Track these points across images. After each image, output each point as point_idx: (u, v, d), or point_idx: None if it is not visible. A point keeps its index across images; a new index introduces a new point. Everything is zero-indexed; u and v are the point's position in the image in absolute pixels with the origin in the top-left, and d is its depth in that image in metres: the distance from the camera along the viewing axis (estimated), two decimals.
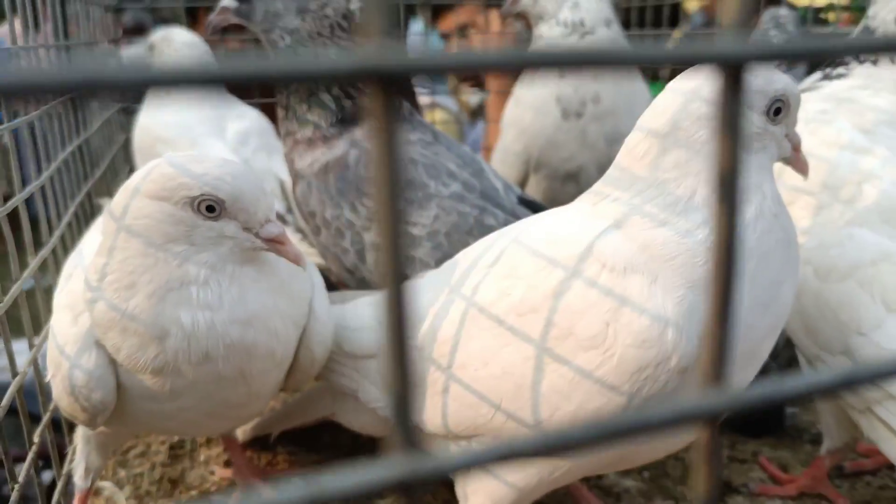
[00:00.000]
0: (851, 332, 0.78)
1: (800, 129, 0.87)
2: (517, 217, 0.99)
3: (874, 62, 0.90)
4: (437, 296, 0.76)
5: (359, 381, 0.83)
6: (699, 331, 0.62)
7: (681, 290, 0.62)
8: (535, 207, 1.06)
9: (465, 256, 0.80)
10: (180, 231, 0.69)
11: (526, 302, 0.66)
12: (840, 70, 0.93)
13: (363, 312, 0.85)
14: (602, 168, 0.73)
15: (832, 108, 0.89)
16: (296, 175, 1.03)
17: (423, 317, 0.76)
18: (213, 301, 0.70)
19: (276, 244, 0.70)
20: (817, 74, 0.96)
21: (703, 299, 0.59)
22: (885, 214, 0.80)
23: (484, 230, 0.98)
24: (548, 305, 0.65)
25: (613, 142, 1.45)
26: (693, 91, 0.65)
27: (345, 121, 1.01)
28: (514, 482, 0.70)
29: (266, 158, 1.43)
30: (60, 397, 0.72)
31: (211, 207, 0.69)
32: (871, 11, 0.91)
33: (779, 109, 0.66)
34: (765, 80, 0.65)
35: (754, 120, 0.65)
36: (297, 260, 0.71)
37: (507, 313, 0.68)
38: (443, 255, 0.97)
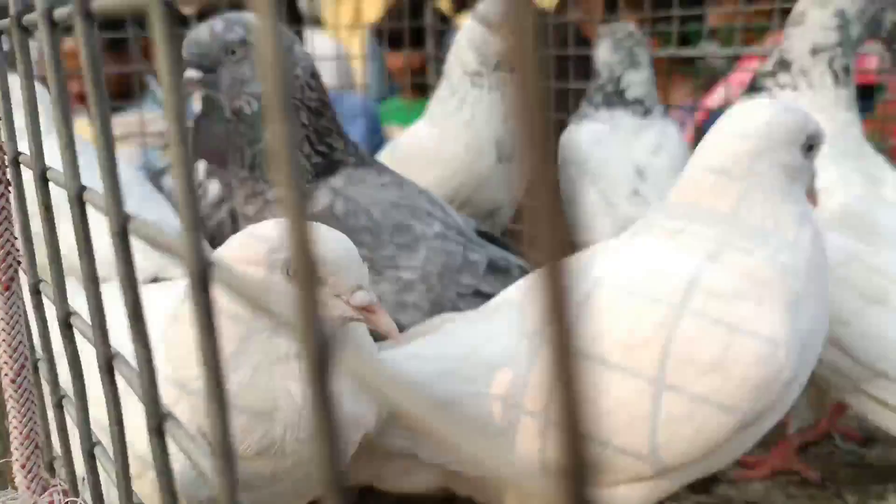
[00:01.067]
0: (836, 323, 0.90)
1: None
2: (490, 252, 1.02)
3: (794, 87, 1.04)
4: (509, 343, 0.76)
5: (417, 438, 0.81)
6: (798, 345, 0.69)
7: (780, 310, 0.69)
8: (493, 239, 1.10)
9: (509, 301, 0.81)
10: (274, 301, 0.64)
11: (634, 336, 0.70)
12: (763, 96, 1.06)
13: (415, 366, 0.83)
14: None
15: None
16: None
17: (498, 365, 0.76)
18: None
19: (367, 313, 0.66)
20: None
21: (796, 316, 0.66)
22: (846, 221, 0.93)
23: (470, 267, 1.00)
24: (660, 337, 0.69)
25: None
26: (744, 131, 0.73)
27: (319, 174, 0.98)
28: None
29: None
30: (151, 498, 0.63)
31: None
32: (786, 44, 1.04)
33: (811, 146, 0.76)
34: (803, 119, 0.74)
35: (796, 155, 0.74)
36: (390, 331, 0.66)
37: (610, 350, 0.71)
38: (436, 297, 0.97)
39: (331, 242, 0.65)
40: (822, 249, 0.74)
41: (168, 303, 0.71)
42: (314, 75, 0.99)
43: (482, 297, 1.00)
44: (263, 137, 0.96)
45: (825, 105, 1.01)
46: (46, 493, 0.52)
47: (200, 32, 0.95)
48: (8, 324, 0.49)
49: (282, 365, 0.64)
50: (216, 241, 1.24)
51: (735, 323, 0.68)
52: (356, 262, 0.66)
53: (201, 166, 1.43)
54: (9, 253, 0.48)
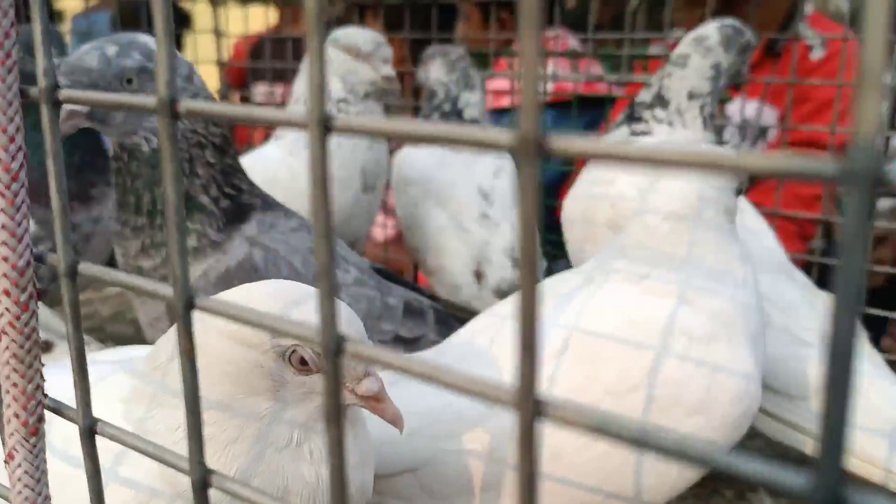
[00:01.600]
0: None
1: (636, 180, 1.06)
2: (402, 294, 0.99)
3: (670, 123, 1.12)
4: None
5: (415, 494, 0.76)
6: (761, 378, 0.75)
7: (747, 346, 0.74)
8: (390, 277, 1.06)
9: (474, 345, 0.79)
10: (266, 385, 0.56)
11: (623, 382, 0.71)
12: (642, 126, 1.14)
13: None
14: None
15: None
16: None
17: (477, 418, 0.74)
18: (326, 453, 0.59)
19: (372, 402, 0.60)
20: (624, 130, 1.15)
21: (757, 351, 0.72)
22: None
23: (390, 312, 0.96)
24: (647, 382, 0.71)
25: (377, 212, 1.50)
26: (704, 179, 0.77)
27: (229, 220, 0.88)
28: None
29: None
30: None
31: (304, 360, 0.57)
32: (666, 82, 1.12)
33: (739, 190, 0.82)
34: None
35: (732, 197, 0.80)
36: (396, 421, 0.60)
37: (600, 397, 0.71)
38: None
39: (342, 322, 0.58)
40: (757, 283, 0.80)
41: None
42: (210, 98, 0.89)
43: (402, 342, 0.96)
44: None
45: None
46: None
47: (88, 57, 0.81)
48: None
49: (289, 450, 0.57)
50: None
51: (713, 363, 0.71)
52: (367, 342, 0.59)
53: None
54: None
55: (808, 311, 1.00)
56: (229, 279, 0.85)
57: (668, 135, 1.12)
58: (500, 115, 1.81)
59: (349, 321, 0.58)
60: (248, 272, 0.85)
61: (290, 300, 0.58)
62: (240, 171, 0.90)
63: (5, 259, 0.35)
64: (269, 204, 0.93)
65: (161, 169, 0.81)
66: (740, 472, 0.20)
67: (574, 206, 1.14)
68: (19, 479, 0.38)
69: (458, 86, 1.58)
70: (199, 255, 0.85)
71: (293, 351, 0.56)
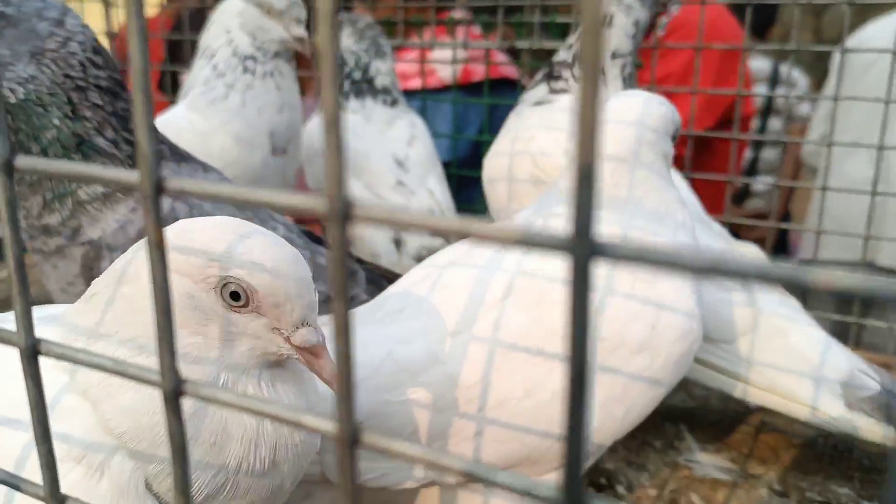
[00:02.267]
0: None
1: (556, 136, 1.06)
2: (323, 253, 0.95)
3: None
4: (432, 343, 0.72)
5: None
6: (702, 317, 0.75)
7: (689, 286, 0.74)
8: (316, 239, 1.02)
9: (413, 298, 0.77)
10: (195, 318, 0.52)
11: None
12: (561, 84, 1.13)
13: None
14: None
15: None
16: (88, 242, 0.79)
17: (418, 369, 0.71)
18: (271, 397, 0.56)
19: (308, 355, 0.55)
20: (543, 88, 1.14)
21: (696, 291, 0.73)
22: None
23: (320, 272, 0.92)
24: (593, 323, 0.70)
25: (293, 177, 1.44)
26: (640, 122, 0.77)
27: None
28: None
29: None
30: None
31: (236, 295, 0.53)
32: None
33: (675, 136, 0.82)
34: (671, 110, 0.81)
35: (668, 143, 0.80)
36: (331, 381, 0.56)
37: (546, 340, 0.70)
38: None
39: (285, 267, 0.54)
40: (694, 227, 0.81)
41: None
42: (97, 50, 0.81)
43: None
44: (50, 125, 0.77)
45: None
46: None
47: None
48: None
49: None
50: None
51: (657, 302, 0.71)
52: (306, 291, 0.55)
53: None
54: None
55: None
56: None
57: None
58: (409, 96, 1.78)
59: (285, 267, 0.54)
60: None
61: (243, 232, 0.54)
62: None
63: None
64: (181, 156, 0.88)
65: (43, 117, 0.75)
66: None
67: (495, 163, 1.13)
68: None
69: (368, 54, 1.55)
70: (112, 202, 0.79)
71: (225, 284, 0.52)
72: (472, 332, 0.71)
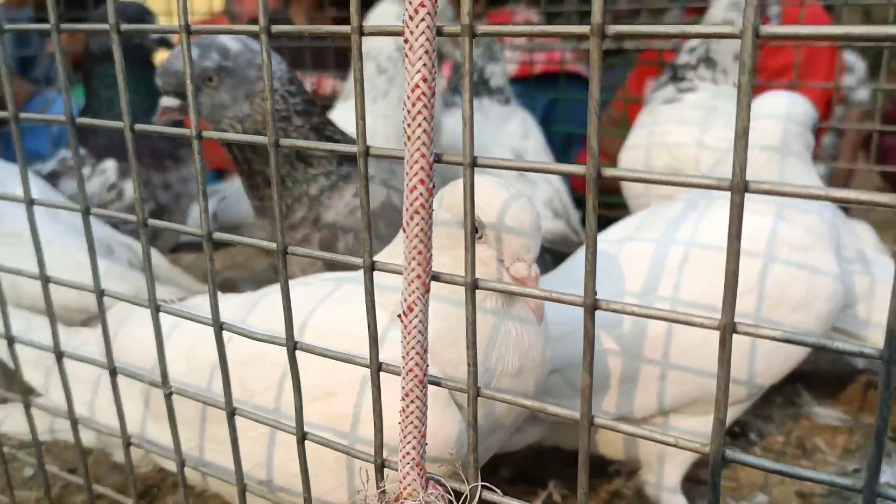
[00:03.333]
0: None
1: (689, 130, 1.21)
2: None
3: (714, 81, 1.27)
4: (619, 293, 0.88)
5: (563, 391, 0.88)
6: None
7: (834, 254, 0.89)
8: None
9: (604, 265, 0.92)
10: (449, 244, 0.68)
11: (740, 285, 0.85)
12: (686, 84, 1.28)
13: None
14: None
15: (707, 115, 1.24)
16: (326, 227, 0.96)
17: (612, 324, 0.87)
18: (520, 313, 0.72)
19: (520, 285, 0.69)
20: (670, 88, 1.29)
21: (839, 258, 0.88)
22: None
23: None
24: (759, 284, 0.85)
25: None
26: (788, 117, 0.92)
27: (344, 160, 0.98)
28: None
29: None
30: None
31: (476, 229, 0.70)
32: (714, 46, 1.27)
33: (814, 129, 0.97)
34: (812, 108, 0.95)
35: (810, 136, 0.95)
36: (536, 310, 0.70)
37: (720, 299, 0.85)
38: None
39: (509, 208, 0.69)
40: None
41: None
42: (291, 80, 0.97)
43: None
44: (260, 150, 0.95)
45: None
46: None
47: (176, 61, 0.93)
48: None
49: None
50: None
51: (810, 268, 0.86)
52: (529, 234, 0.71)
53: (111, 166, 1.31)
54: None
55: (845, 234, 1.16)
56: (375, 218, 0.96)
57: (713, 91, 1.28)
58: (522, 83, 1.94)
59: (514, 209, 0.70)
60: (389, 212, 0.97)
61: (485, 182, 0.70)
62: (329, 124, 1.00)
63: (423, 156, 0.46)
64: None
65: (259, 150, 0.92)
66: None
67: (633, 155, 1.28)
68: (415, 328, 0.49)
69: (483, 58, 1.71)
70: (338, 191, 0.96)
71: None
72: (657, 293, 0.87)
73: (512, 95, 1.77)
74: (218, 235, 0.63)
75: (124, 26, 0.58)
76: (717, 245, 0.87)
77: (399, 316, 0.50)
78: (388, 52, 1.42)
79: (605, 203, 1.52)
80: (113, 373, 0.72)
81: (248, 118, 0.94)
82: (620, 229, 0.97)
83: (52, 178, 1.30)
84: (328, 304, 0.74)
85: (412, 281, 0.49)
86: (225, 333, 0.66)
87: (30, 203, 0.73)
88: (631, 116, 2.20)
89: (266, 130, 0.95)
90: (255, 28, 0.52)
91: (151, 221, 0.64)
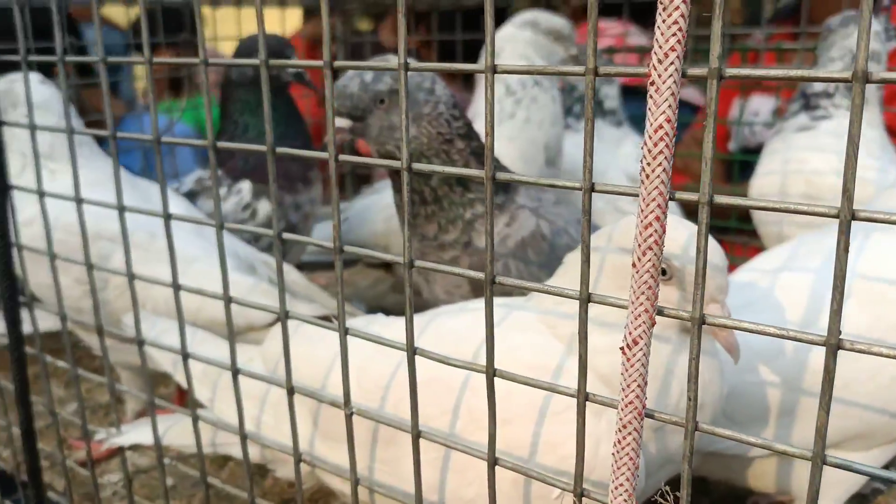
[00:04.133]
0: None
1: (827, 157, 1.19)
2: None
3: (847, 108, 1.25)
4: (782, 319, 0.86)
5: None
6: None
7: None
8: None
9: (762, 295, 0.91)
10: (620, 284, 0.69)
11: None
12: (821, 112, 1.26)
13: None
14: None
15: (843, 142, 1.22)
16: (476, 252, 0.98)
17: (771, 356, 0.86)
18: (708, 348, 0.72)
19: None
20: (803, 116, 1.28)
21: None
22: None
23: None
24: None
25: None
26: None
27: (500, 187, 1.00)
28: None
29: None
30: None
31: (663, 271, 0.70)
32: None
33: None
34: None
35: None
36: (732, 349, 0.71)
37: (888, 332, 0.83)
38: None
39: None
40: None
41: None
42: (455, 105, 1.00)
43: None
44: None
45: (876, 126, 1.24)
46: None
47: (351, 83, 0.96)
48: None
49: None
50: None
51: None
52: (720, 273, 0.72)
53: (246, 186, 1.35)
54: None
55: None
56: (524, 247, 0.97)
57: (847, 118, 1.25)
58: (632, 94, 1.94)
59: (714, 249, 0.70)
60: (539, 241, 0.98)
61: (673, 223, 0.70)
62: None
63: (661, 194, 0.47)
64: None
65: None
66: None
67: (767, 182, 1.27)
68: (638, 360, 0.50)
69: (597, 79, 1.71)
70: (494, 218, 0.97)
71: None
72: (818, 326, 0.85)
73: (624, 118, 1.77)
74: (349, 248, 0.65)
75: (272, 62, 0.62)
76: (881, 276, 0.86)
77: (622, 349, 0.51)
78: (520, 76, 1.44)
79: (715, 227, 1.51)
80: (290, 391, 0.75)
81: (413, 140, 0.96)
82: (771, 259, 0.96)
83: (191, 197, 1.36)
84: (500, 331, 0.76)
85: (639, 315, 0.49)
86: (393, 355, 0.68)
87: (167, 217, 0.77)
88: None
89: (430, 153, 0.97)
90: (394, 66, 0.55)
91: (286, 235, 0.67)
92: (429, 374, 0.73)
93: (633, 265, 0.49)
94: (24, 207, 1.00)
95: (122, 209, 0.79)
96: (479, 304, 0.83)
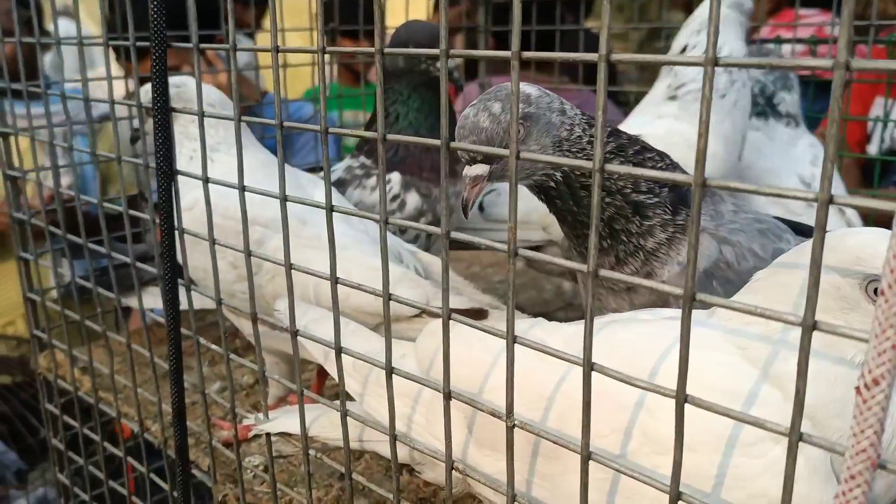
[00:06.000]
0: None
1: None
2: None
3: None
4: None
5: None
6: None
7: None
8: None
9: None
10: (838, 306, 0.61)
11: None
12: None
13: None
14: None
15: None
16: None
17: None
18: None
19: None
20: None
21: None
22: None
23: None
24: None
25: None
26: None
27: (675, 203, 0.90)
28: None
29: None
30: None
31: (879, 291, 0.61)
32: None
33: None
34: None
35: None
36: None
37: None
38: None
39: None
40: None
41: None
42: (590, 124, 0.89)
43: None
44: (605, 201, 0.88)
45: None
46: None
47: (478, 118, 0.84)
48: None
49: None
50: None
51: None
52: None
53: (396, 177, 1.33)
54: None
55: None
56: (709, 278, 0.88)
57: None
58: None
59: None
60: (723, 270, 0.88)
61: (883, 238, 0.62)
62: (647, 150, 0.92)
63: None
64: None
65: (585, 196, 0.85)
66: None
67: None
68: (877, 403, 0.43)
69: (775, 84, 1.59)
70: (674, 246, 0.89)
71: (870, 282, 0.60)
72: None
73: (801, 122, 1.64)
74: (455, 234, 0.63)
75: (387, 49, 0.62)
76: None
77: (857, 388, 0.44)
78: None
79: None
80: (447, 396, 0.71)
81: (557, 169, 0.87)
82: None
83: (339, 186, 1.35)
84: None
85: (884, 350, 0.42)
86: (557, 364, 0.64)
87: (330, 210, 0.74)
88: (848, 137, 2.00)
89: (581, 179, 0.88)
90: (506, 53, 0.52)
91: (454, 234, 0.63)
92: (597, 388, 0.67)
93: (882, 292, 0.42)
94: (186, 193, 1.02)
95: (283, 199, 0.78)
96: (651, 314, 0.77)
